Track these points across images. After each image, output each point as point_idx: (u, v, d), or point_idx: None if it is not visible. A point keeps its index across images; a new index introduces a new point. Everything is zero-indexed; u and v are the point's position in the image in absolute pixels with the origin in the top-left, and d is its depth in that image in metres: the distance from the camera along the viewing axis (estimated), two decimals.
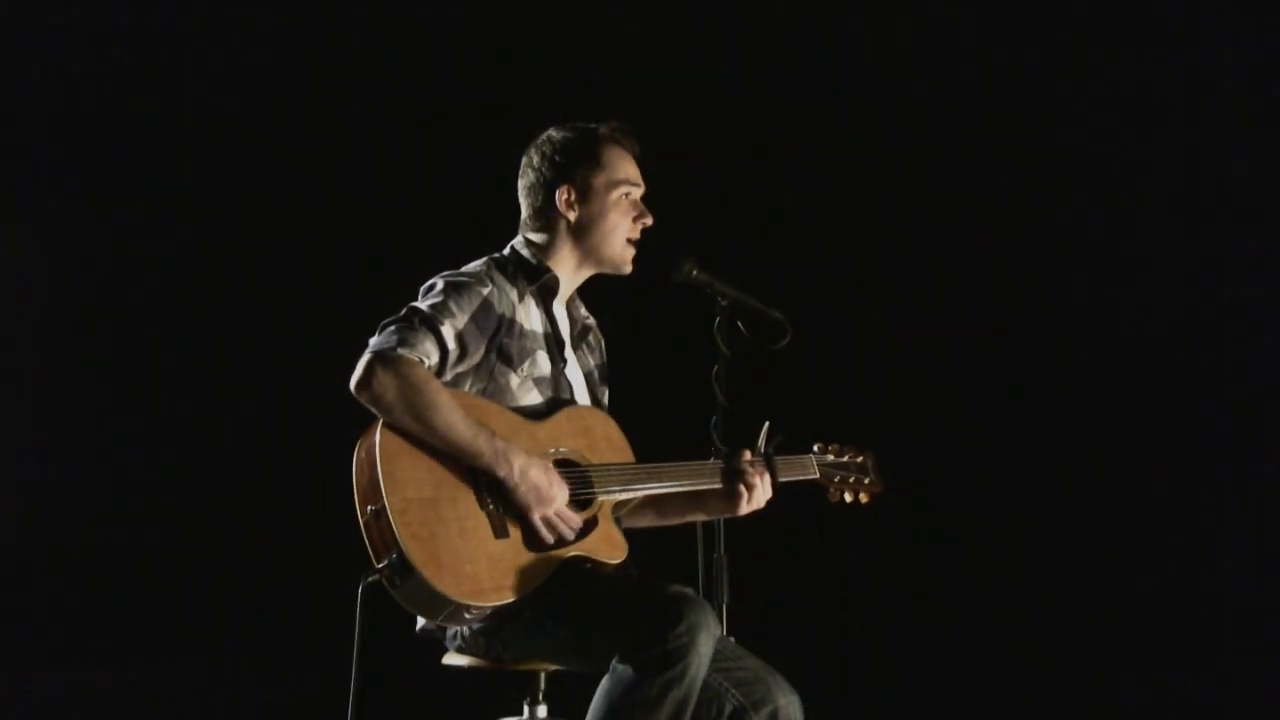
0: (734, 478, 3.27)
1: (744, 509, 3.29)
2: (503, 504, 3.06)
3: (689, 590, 3.06)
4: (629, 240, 3.33)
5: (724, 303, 3.32)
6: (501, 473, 3.04)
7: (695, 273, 3.32)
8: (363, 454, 3.03)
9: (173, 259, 6.29)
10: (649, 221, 3.34)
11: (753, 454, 3.31)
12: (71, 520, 6.17)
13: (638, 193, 3.35)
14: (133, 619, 6.26)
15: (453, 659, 3.26)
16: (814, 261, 6.63)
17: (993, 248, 7.07)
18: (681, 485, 3.28)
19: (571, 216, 3.31)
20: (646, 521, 3.42)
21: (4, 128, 6.04)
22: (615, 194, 3.31)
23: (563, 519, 3.09)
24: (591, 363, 3.46)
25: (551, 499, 3.07)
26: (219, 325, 6.14)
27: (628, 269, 3.35)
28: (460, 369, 3.13)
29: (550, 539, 3.08)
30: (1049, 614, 7.20)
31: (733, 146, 6.55)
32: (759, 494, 3.29)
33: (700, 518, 3.36)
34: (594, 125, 3.35)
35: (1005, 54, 6.93)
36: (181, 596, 6.18)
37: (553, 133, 3.36)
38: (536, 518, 3.06)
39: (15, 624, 6.10)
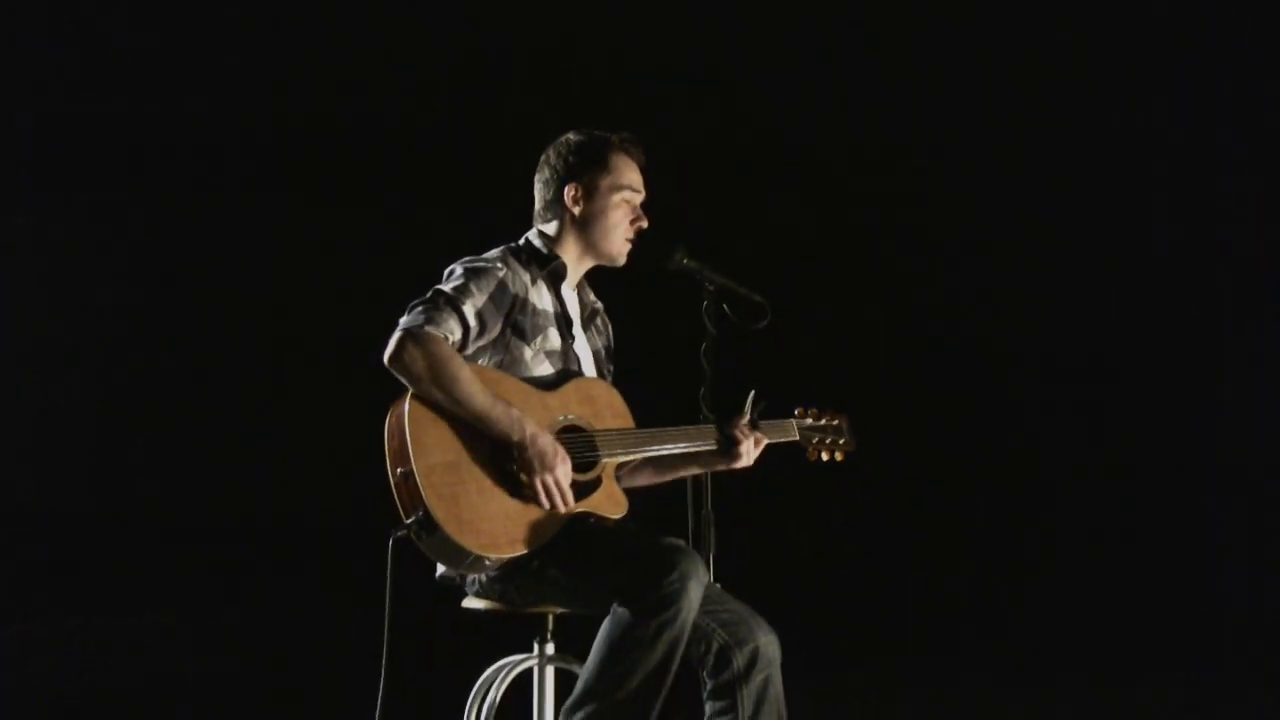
0: (727, 440, 3.44)
1: (736, 467, 3.47)
2: (516, 467, 3.20)
3: (680, 542, 3.20)
4: (625, 239, 3.49)
5: (711, 287, 3.48)
6: (515, 438, 3.18)
7: (686, 261, 3.48)
8: (393, 421, 3.16)
9: (224, 247, 6.41)
10: (644, 225, 3.50)
11: (742, 420, 3.48)
12: (132, 478, 6.30)
13: (637, 198, 3.51)
14: (192, 568, 6.40)
15: (471, 603, 3.40)
16: (797, 249, 6.76)
17: (969, 237, 7.19)
18: (676, 448, 3.44)
19: (576, 211, 3.48)
20: (644, 479, 3.57)
21: (52, 129, 6.12)
22: (617, 197, 3.47)
23: (559, 487, 3.20)
24: (599, 343, 3.62)
25: (553, 466, 3.19)
26: (271, 311, 6.25)
27: (621, 263, 3.52)
28: (480, 343, 3.29)
29: (546, 502, 3.20)
30: (1014, 567, 7.37)
31: (720, 141, 6.65)
32: (749, 452, 3.47)
33: (694, 471, 3.51)
34: (607, 133, 3.51)
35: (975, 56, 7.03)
36: (228, 549, 6.33)
37: (570, 136, 3.53)
38: (538, 480, 3.19)
39: (68, 573, 6.24)
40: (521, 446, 3.19)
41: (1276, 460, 6.88)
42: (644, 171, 3.55)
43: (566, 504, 3.23)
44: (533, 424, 3.22)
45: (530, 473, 3.20)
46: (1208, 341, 7.03)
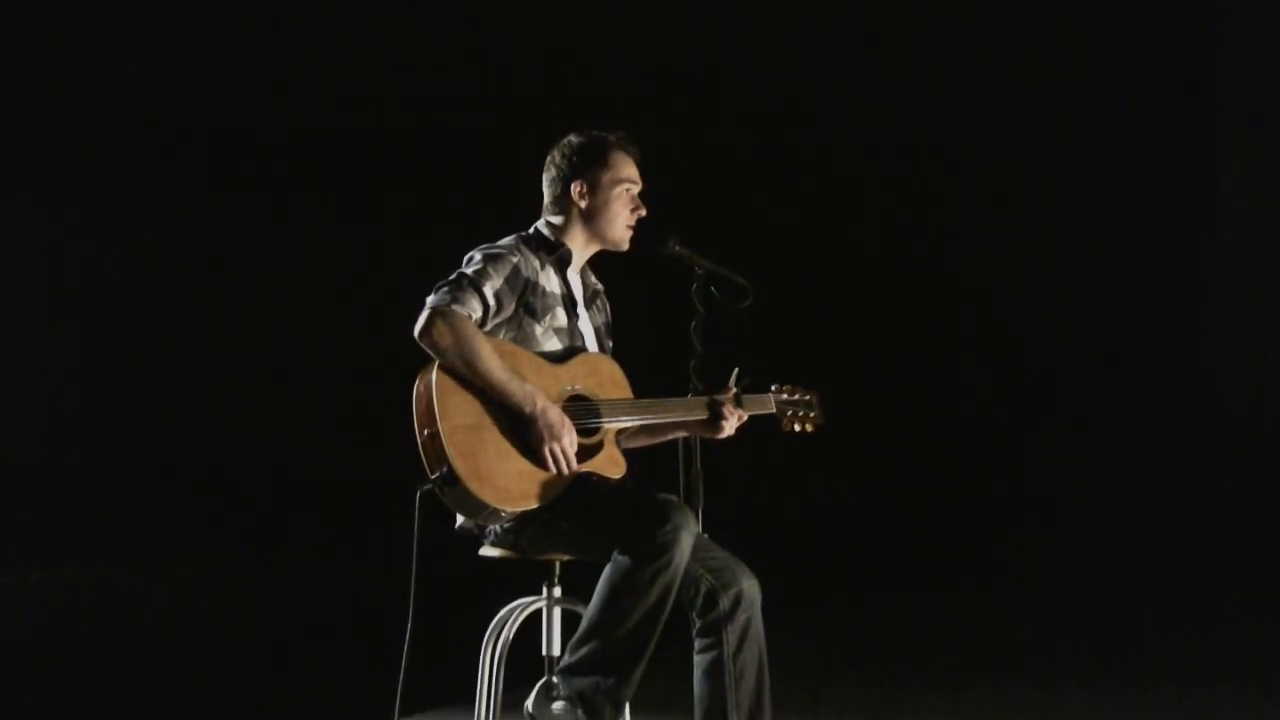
0: (713, 413, 3.60)
1: (719, 436, 3.62)
2: (527, 432, 3.37)
3: (673, 498, 3.39)
4: (627, 226, 3.63)
5: (700, 271, 3.63)
6: (527, 409, 3.34)
7: (677, 247, 3.64)
8: (421, 388, 3.32)
9: (269, 242, 6.57)
10: (643, 213, 3.64)
11: (727, 394, 3.63)
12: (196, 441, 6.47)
13: (636, 189, 3.64)
14: (239, 519, 6.58)
15: (487, 551, 3.54)
16: (777, 237, 6.91)
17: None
18: (669, 416, 3.59)
19: (583, 205, 3.61)
20: (640, 442, 3.71)
21: (140, 130, 6.22)
22: (617, 189, 3.61)
23: (565, 455, 3.37)
24: (600, 321, 3.75)
25: (560, 436, 3.36)
26: (314, 293, 6.41)
27: (625, 248, 3.66)
28: (497, 320, 3.44)
29: (553, 468, 3.37)
30: (973, 522, 7.58)
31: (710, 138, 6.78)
32: (732, 425, 3.62)
33: (682, 434, 3.66)
34: (605, 134, 3.65)
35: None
36: (272, 503, 6.51)
37: (572, 138, 3.66)
38: (545, 449, 3.36)
39: (115, 522, 6.41)
40: (534, 419, 3.36)
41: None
42: (639, 165, 3.68)
43: (570, 469, 3.39)
44: (544, 398, 3.38)
45: (540, 442, 3.36)
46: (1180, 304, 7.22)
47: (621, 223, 3.64)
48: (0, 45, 6.11)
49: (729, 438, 3.65)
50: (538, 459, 3.38)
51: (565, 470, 3.39)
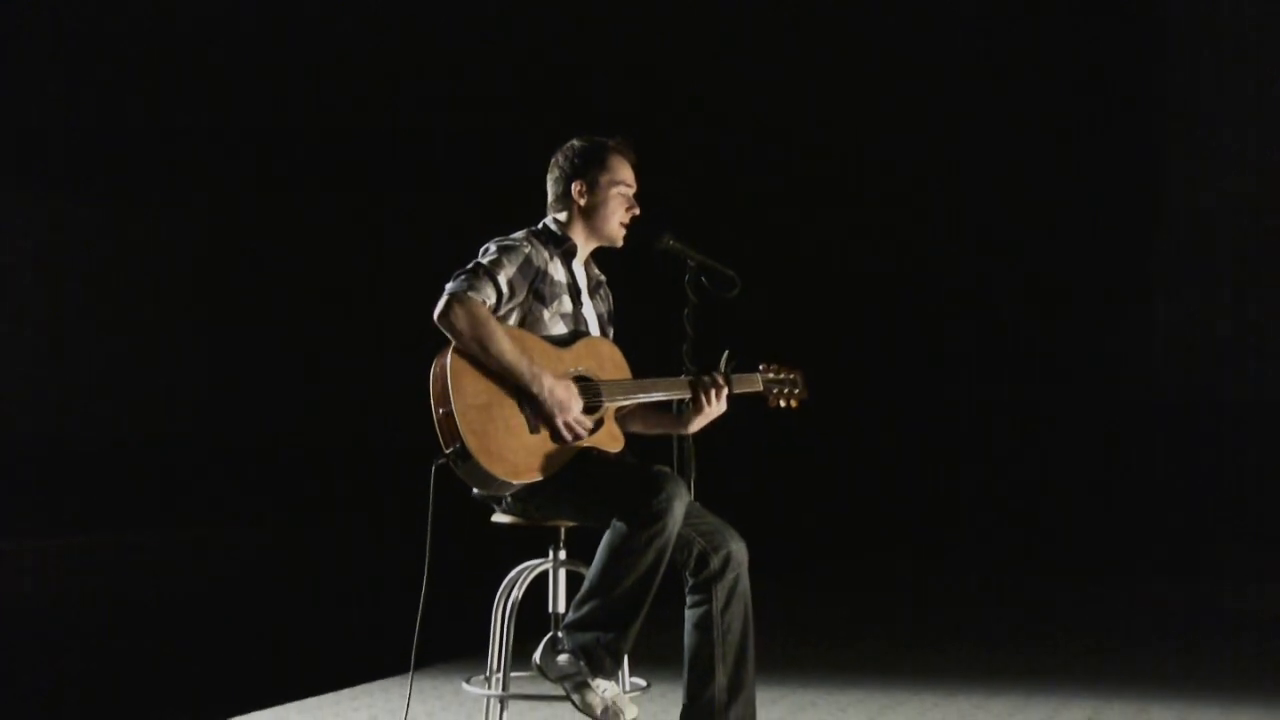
0: (702, 389, 3.71)
1: (708, 414, 3.71)
2: (536, 410, 3.55)
3: (667, 469, 3.56)
4: (621, 224, 3.79)
5: (692, 263, 3.78)
6: (535, 389, 3.52)
7: (671, 242, 3.80)
8: (437, 370, 3.49)
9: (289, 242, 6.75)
10: (636, 213, 3.81)
11: (716, 373, 3.76)
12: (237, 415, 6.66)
13: (631, 191, 3.79)
14: (273, 489, 6.77)
15: (498, 518, 3.70)
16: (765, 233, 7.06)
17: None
18: (664, 394, 3.73)
19: (582, 203, 3.77)
20: (636, 428, 3.83)
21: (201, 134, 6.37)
22: (614, 190, 3.76)
23: (578, 423, 3.57)
24: (602, 309, 3.89)
25: (570, 408, 3.55)
26: (340, 283, 6.59)
27: (619, 244, 3.83)
28: (509, 306, 3.61)
29: (568, 437, 3.55)
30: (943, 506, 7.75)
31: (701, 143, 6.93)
32: (716, 404, 3.72)
33: (676, 430, 3.76)
34: (604, 139, 3.81)
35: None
36: (300, 476, 6.71)
37: (574, 142, 3.82)
38: (559, 422, 3.54)
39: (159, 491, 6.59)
40: (542, 397, 3.54)
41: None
42: (635, 168, 3.84)
43: (584, 434, 3.57)
44: (550, 377, 3.55)
45: (552, 416, 3.54)
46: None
47: (616, 221, 3.80)
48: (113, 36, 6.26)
49: (720, 415, 3.77)
50: (546, 434, 3.55)
51: (581, 435, 3.55)
